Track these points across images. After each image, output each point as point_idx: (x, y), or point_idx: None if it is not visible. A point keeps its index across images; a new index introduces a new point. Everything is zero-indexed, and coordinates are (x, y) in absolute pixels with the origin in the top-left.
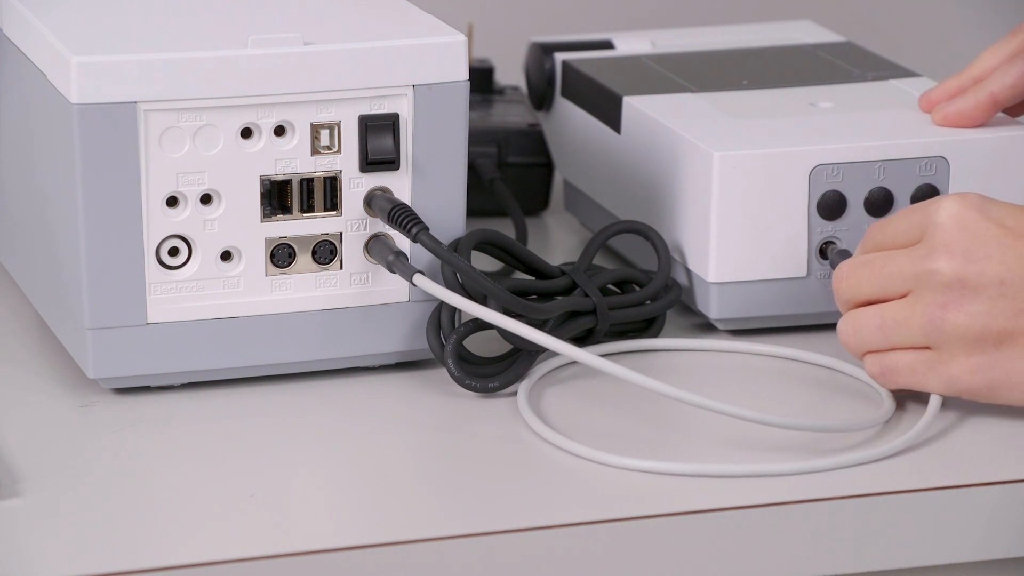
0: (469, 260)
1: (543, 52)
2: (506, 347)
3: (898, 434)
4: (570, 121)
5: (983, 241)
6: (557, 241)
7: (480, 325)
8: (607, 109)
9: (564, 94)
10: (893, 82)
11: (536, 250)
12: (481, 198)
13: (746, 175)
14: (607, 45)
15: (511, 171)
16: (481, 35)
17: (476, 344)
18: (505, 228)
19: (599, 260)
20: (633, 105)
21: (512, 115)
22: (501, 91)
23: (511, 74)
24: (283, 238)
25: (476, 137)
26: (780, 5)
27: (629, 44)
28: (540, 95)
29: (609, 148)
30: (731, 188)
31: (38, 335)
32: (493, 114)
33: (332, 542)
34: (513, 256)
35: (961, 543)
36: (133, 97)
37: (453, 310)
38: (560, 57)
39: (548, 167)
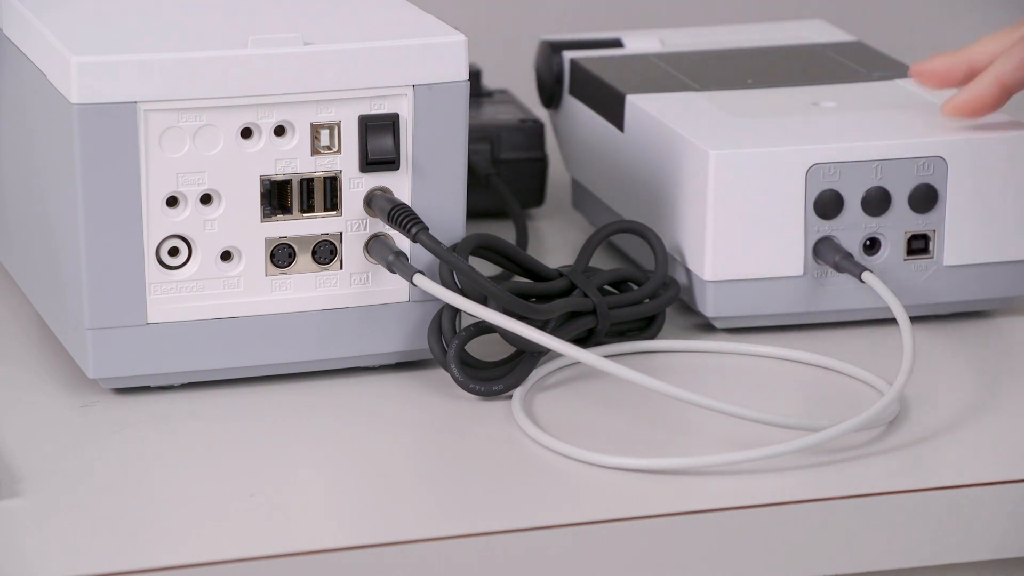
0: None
1: (552, 50)
2: (507, 350)
3: (899, 434)
4: (578, 119)
5: None
6: (566, 240)
7: (481, 329)
8: (611, 107)
9: (572, 92)
10: (899, 82)
11: (543, 249)
12: (475, 195)
13: (742, 174)
14: (616, 44)
15: (505, 167)
16: (474, 38)
17: (477, 347)
18: (504, 226)
19: (603, 259)
20: (635, 104)
21: (503, 113)
22: (490, 94)
23: (508, 78)
24: (283, 238)
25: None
26: (797, 4)
27: (638, 43)
28: (549, 93)
29: (613, 146)
30: (727, 187)
31: (38, 335)
32: (483, 113)
33: (332, 542)
34: (510, 260)
35: (961, 543)
36: (133, 97)
37: (454, 314)
38: (569, 55)
39: (542, 162)
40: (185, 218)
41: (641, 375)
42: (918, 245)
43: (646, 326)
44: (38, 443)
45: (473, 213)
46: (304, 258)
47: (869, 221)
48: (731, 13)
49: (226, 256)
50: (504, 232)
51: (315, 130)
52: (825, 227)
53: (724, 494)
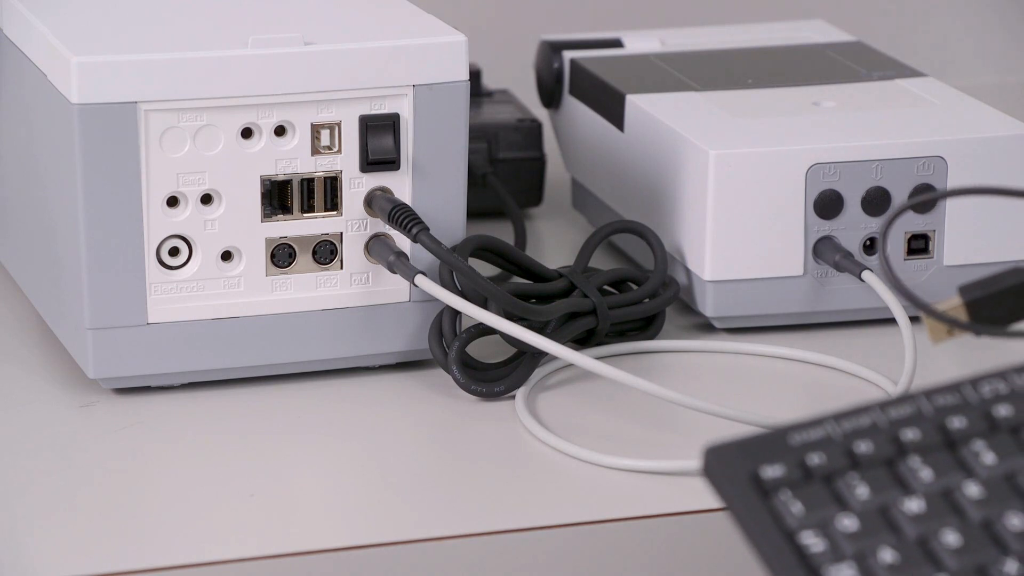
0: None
1: (552, 50)
2: (507, 349)
3: None
4: (578, 119)
5: None
6: (565, 240)
7: (482, 330)
8: (611, 107)
9: (572, 92)
10: (899, 82)
11: (542, 249)
12: (472, 194)
13: (742, 173)
14: (616, 44)
15: (503, 166)
16: (474, 38)
17: (479, 348)
18: (502, 226)
19: (603, 259)
20: (636, 103)
21: (501, 113)
22: (490, 94)
23: (508, 78)
24: (283, 238)
25: None
26: (797, 4)
27: (638, 43)
28: (549, 93)
29: (613, 146)
30: (727, 186)
31: (38, 335)
32: (482, 113)
33: (332, 542)
34: (510, 261)
35: None
36: (133, 97)
37: (454, 316)
38: (569, 55)
39: (540, 161)
40: (185, 218)
41: (632, 376)
42: (918, 245)
43: (646, 326)
44: (38, 443)
45: (470, 212)
46: (304, 258)
47: (869, 221)
48: (731, 13)
49: (226, 256)
50: (502, 232)
51: (315, 130)
52: (825, 227)
53: None
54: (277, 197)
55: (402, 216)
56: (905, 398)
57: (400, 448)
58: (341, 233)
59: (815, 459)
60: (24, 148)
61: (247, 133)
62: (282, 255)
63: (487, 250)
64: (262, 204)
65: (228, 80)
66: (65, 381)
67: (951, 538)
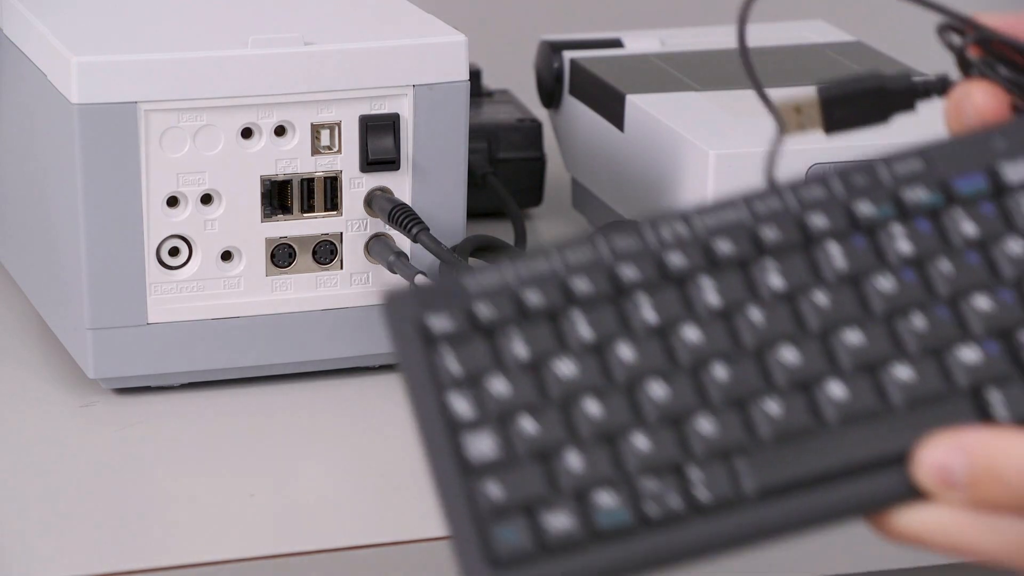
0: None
1: (552, 50)
2: None
3: None
4: (578, 119)
5: None
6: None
7: None
8: (611, 107)
9: (572, 92)
10: None
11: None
12: (472, 194)
13: (742, 173)
14: (616, 44)
15: (503, 167)
16: (474, 38)
17: None
18: (502, 226)
19: None
20: (635, 103)
21: (501, 113)
22: (490, 94)
23: (508, 78)
24: (283, 238)
25: None
26: (797, 4)
27: (638, 43)
28: (549, 93)
29: (613, 146)
30: (727, 186)
31: (38, 335)
32: (482, 113)
33: (332, 542)
34: None
35: None
36: (133, 97)
37: None
38: (569, 55)
39: (540, 161)
40: (185, 218)
41: None
42: None
43: None
44: (38, 443)
45: (470, 212)
46: (304, 258)
47: None
48: (731, 13)
49: (226, 256)
50: (502, 232)
51: (315, 130)
52: None
53: None
54: (277, 197)
55: (402, 216)
56: (588, 237)
57: (400, 448)
58: (341, 233)
59: (483, 309)
60: (24, 148)
61: (247, 133)
62: (282, 255)
63: (487, 250)
64: (262, 204)
65: (228, 80)
66: (65, 381)
67: (592, 407)
